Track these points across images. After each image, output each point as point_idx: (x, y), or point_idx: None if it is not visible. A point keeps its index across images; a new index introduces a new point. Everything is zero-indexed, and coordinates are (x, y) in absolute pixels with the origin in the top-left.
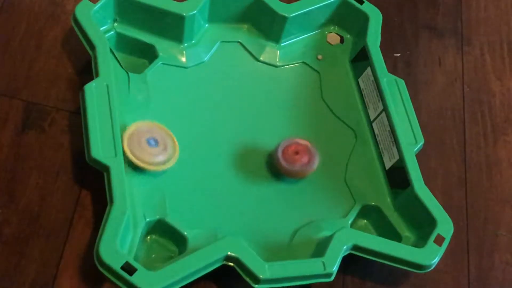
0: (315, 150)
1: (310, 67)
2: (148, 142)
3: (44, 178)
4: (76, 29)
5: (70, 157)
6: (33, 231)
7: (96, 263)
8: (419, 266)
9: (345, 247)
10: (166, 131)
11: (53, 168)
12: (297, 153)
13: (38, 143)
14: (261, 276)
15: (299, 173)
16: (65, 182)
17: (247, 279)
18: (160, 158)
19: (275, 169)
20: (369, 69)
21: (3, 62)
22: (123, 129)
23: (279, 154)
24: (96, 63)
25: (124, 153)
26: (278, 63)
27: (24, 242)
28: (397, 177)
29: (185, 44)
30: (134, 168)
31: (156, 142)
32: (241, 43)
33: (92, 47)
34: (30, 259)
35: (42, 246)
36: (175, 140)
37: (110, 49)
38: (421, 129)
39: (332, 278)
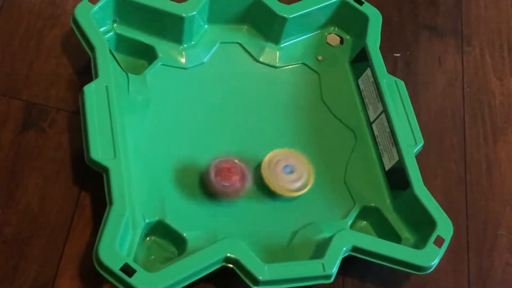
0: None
1: (310, 68)
2: (284, 170)
3: (44, 178)
4: (75, 30)
5: (70, 157)
6: (33, 231)
7: (96, 265)
8: (419, 268)
9: (344, 248)
10: (300, 156)
11: (53, 168)
12: (229, 171)
13: (38, 143)
14: (260, 278)
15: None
16: (65, 182)
17: (247, 281)
18: (297, 184)
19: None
20: (368, 70)
21: (3, 62)
22: (123, 130)
23: (212, 175)
24: (95, 64)
25: (263, 181)
26: (277, 64)
27: (24, 242)
28: (396, 178)
29: (185, 45)
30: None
31: (292, 169)
32: (240, 44)
33: (92, 48)
34: (30, 259)
35: (42, 246)
36: (310, 165)
37: (110, 50)
38: (421, 129)
39: (332, 279)
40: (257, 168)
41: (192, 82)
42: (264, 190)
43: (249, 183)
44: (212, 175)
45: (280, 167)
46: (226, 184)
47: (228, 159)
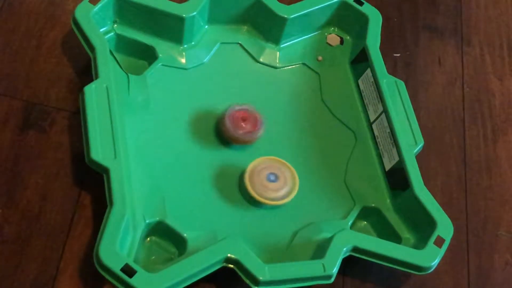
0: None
1: (310, 68)
2: (268, 178)
3: (44, 178)
4: (75, 30)
5: (70, 157)
6: (33, 231)
7: (96, 265)
8: (419, 268)
9: (345, 248)
10: (285, 163)
11: (53, 168)
12: (244, 119)
13: (38, 143)
14: (261, 278)
15: (244, 140)
16: (65, 182)
17: (247, 281)
18: (281, 192)
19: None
20: (369, 70)
21: (3, 62)
22: (123, 130)
23: (226, 119)
24: (95, 65)
25: (246, 190)
26: (278, 64)
27: (24, 242)
28: (397, 178)
29: (185, 46)
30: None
31: (276, 177)
32: (241, 45)
33: (92, 48)
34: (30, 259)
35: (42, 246)
36: (295, 172)
37: (110, 51)
38: (421, 129)
39: (332, 280)
40: (241, 177)
41: (193, 83)
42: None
43: (263, 129)
44: (227, 123)
45: (263, 175)
46: (240, 131)
47: (242, 108)
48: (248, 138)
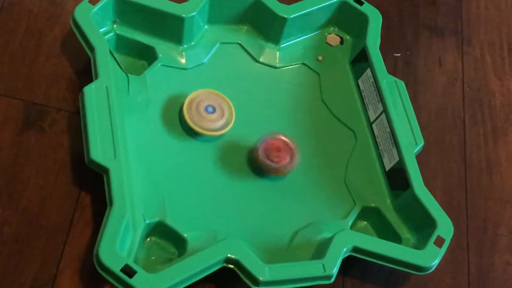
0: (294, 146)
1: (310, 68)
2: (206, 109)
3: (44, 178)
4: (75, 30)
5: (70, 157)
6: (33, 231)
7: (96, 265)
8: (419, 268)
9: (345, 249)
10: (223, 97)
11: (53, 168)
12: (279, 150)
13: (38, 143)
14: (261, 278)
15: (280, 171)
16: (65, 182)
17: (247, 281)
18: (219, 123)
19: (256, 165)
20: (368, 70)
21: (3, 62)
22: (123, 130)
23: (260, 151)
24: (95, 65)
25: (185, 121)
26: (277, 64)
27: (24, 242)
28: (397, 178)
29: (185, 46)
30: (193, 135)
31: (214, 108)
32: (240, 45)
33: (92, 49)
34: (30, 259)
35: (42, 246)
36: (231, 105)
37: (110, 51)
38: (421, 129)
39: (332, 280)
40: (180, 110)
41: (192, 83)
42: (265, 191)
43: (297, 160)
44: (260, 154)
45: (202, 107)
46: (275, 163)
47: (276, 137)
48: (284, 169)
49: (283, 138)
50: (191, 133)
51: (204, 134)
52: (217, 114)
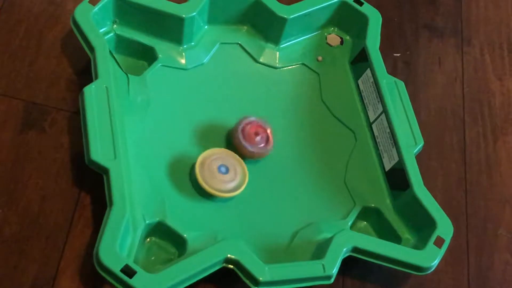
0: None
1: (310, 68)
2: (219, 170)
3: (44, 178)
4: (75, 31)
5: (70, 157)
6: (33, 231)
7: (96, 266)
8: (419, 268)
9: (345, 249)
10: (236, 157)
11: (53, 168)
12: (256, 134)
13: (38, 143)
14: (261, 279)
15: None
16: (65, 182)
17: (247, 282)
18: (231, 185)
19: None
20: (368, 70)
21: (3, 62)
22: (123, 131)
23: (240, 135)
24: (95, 65)
25: (196, 180)
26: (277, 65)
27: (24, 242)
28: (396, 178)
29: (185, 46)
30: (202, 194)
31: (227, 169)
32: (240, 45)
33: (92, 49)
34: (30, 259)
35: (42, 246)
36: (245, 166)
37: (109, 51)
38: (421, 129)
39: (332, 280)
40: (192, 169)
41: (192, 83)
42: (265, 191)
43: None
44: (241, 139)
45: (214, 166)
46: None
47: (252, 121)
48: (262, 153)
49: (259, 121)
50: (191, 133)
51: (216, 195)
52: (230, 175)
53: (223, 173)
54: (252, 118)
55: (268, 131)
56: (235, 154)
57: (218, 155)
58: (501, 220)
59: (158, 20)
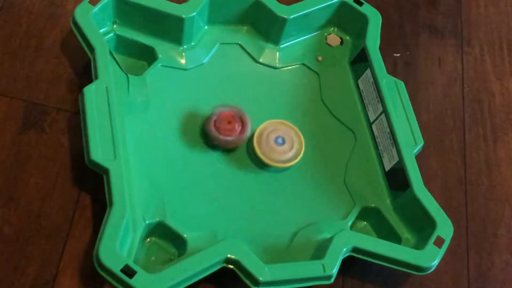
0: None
1: (310, 68)
2: (276, 141)
3: (44, 178)
4: (75, 31)
5: (70, 157)
6: (33, 231)
7: (96, 266)
8: (419, 268)
9: (345, 249)
10: (292, 127)
11: (53, 168)
12: (229, 122)
13: (38, 143)
14: (261, 279)
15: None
16: (65, 182)
17: (247, 282)
18: (289, 155)
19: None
20: (368, 70)
21: (3, 62)
22: (123, 131)
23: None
24: (95, 66)
25: (255, 153)
26: (277, 65)
27: (24, 242)
28: (396, 178)
29: (185, 46)
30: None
31: (283, 140)
32: (240, 45)
33: (92, 49)
34: (30, 259)
35: (42, 246)
36: (301, 135)
37: (109, 51)
38: (421, 129)
39: (332, 280)
40: (250, 141)
41: (192, 83)
42: (265, 191)
43: (249, 132)
44: (212, 128)
45: (271, 138)
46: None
47: (227, 109)
48: (236, 142)
49: (235, 109)
50: (191, 133)
51: (274, 166)
52: (287, 145)
53: (280, 144)
54: (222, 108)
55: (243, 118)
56: (291, 124)
57: (274, 126)
58: (501, 220)
59: (158, 20)
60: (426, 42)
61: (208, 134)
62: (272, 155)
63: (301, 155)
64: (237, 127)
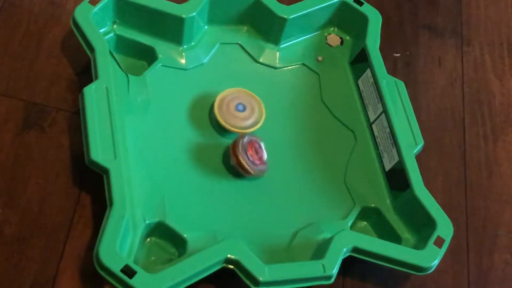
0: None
1: (310, 68)
2: (237, 108)
3: (44, 178)
4: (75, 31)
5: (70, 157)
6: (33, 231)
7: (96, 266)
8: (419, 268)
9: (345, 249)
10: (252, 95)
11: (53, 168)
12: (257, 153)
13: (38, 143)
14: (261, 279)
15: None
16: (65, 182)
17: (247, 282)
18: (249, 121)
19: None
20: (368, 70)
21: (3, 62)
22: (123, 131)
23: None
24: (95, 66)
25: (216, 120)
26: (277, 65)
27: (24, 242)
28: (396, 178)
29: (185, 46)
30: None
31: (244, 107)
32: (240, 45)
33: (92, 49)
34: (30, 259)
35: (42, 246)
36: (261, 102)
37: (109, 51)
38: (421, 129)
39: (332, 280)
40: (211, 108)
41: (192, 83)
42: (265, 191)
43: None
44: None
45: (232, 105)
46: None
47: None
48: (260, 173)
49: (257, 140)
50: (191, 133)
51: (234, 132)
52: (247, 112)
53: (240, 111)
54: (248, 138)
55: (262, 145)
56: (252, 93)
57: (235, 94)
58: (501, 220)
59: (158, 20)
60: (426, 42)
61: (240, 163)
62: (232, 121)
63: (261, 123)
64: (261, 157)
